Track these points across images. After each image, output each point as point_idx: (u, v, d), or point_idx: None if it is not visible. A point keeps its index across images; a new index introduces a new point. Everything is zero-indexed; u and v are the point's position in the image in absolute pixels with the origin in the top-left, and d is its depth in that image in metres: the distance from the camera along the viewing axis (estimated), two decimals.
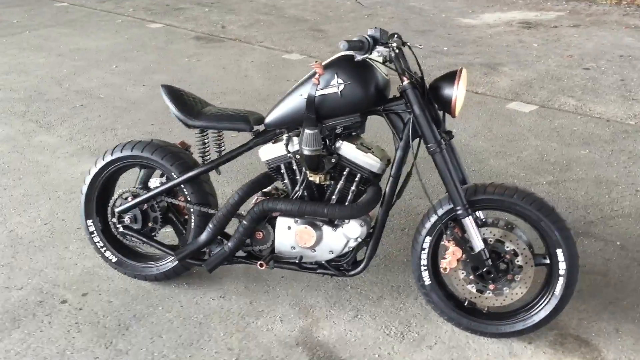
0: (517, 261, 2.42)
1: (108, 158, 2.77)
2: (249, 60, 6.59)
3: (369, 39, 2.26)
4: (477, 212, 2.51)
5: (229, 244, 2.63)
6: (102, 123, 4.87)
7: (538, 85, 5.77)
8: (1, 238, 3.26)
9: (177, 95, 2.69)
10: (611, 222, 3.39)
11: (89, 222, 2.85)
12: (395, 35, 2.59)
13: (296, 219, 2.56)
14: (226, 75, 6.10)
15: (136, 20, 8.65)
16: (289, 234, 2.58)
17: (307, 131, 2.39)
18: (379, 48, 2.28)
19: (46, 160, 4.19)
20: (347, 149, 2.48)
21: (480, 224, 2.47)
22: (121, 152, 2.74)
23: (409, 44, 2.61)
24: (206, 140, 2.70)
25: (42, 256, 3.10)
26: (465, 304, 2.57)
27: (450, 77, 2.38)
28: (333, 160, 2.48)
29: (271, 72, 6.15)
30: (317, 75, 2.37)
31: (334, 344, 2.53)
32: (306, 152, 2.41)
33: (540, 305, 2.48)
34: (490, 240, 2.44)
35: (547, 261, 2.44)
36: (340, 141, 2.49)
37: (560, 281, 2.41)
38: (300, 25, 8.36)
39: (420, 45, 2.85)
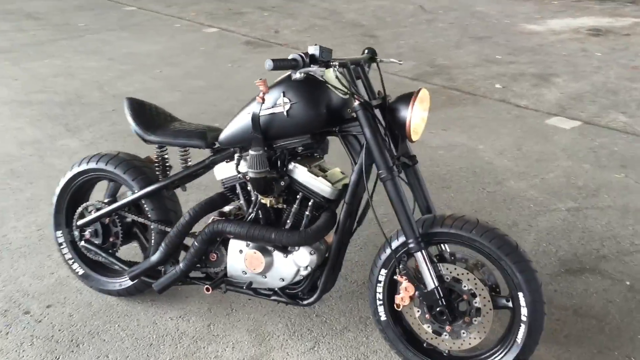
0: (475, 303, 2.19)
1: (75, 170, 2.74)
2: None
3: (303, 58, 2.09)
4: (443, 246, 2.29)
5: (181, 264, 2.53)
6: (127, 128, 4.87)
7: (589, 99, 5.35)
8: None
9: (139, 109, 2.63)
10: (627, 258, 3.04)
11: (58, 233, 2.84)
12: (366, 51, 2.44)
13: (248, 242, 2.43)
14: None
15: (194, 24, 8.79)
16: (240, 258, 2.46)
17: (251, 152, 2.26)
18: (314, 67, 2.10)
19: (62, 164, 4.26)
20: (299, 172, 2.32)
21: (439, 260, 2.25)
22: (87, 165, 2.71)
23: (380, 60, 2.45)
24: (165, 156, 2.62)
25: (24, 263, 3.13)
26: (425, 345, 2.35)
27: (407, 99, 2.18)
28: (283, 183, 2.33)
29: None
30: (260, 94, 2.23)
31: None
32: (250, 174, 2.27)
33: (501, 352, 2.22)
34: (447, 278, 2.21)
35: (510, 304, 2.18)
36: (293, 163, 2.34)
37: (522, 328, 2.15)
38: (354, 30, 8.20)
39: (400, 61, 2.67)
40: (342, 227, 2.33)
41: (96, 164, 2.68)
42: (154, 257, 2.58)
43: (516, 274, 2.10)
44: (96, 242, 2.73)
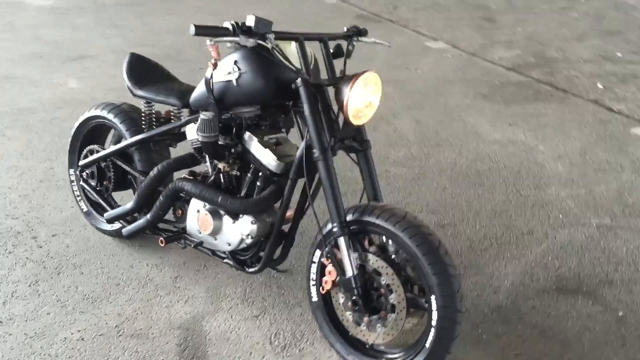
0: (391, 299, 2.10)
1: (87, 114, 2.98)
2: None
3: (235, 27, 2.08)
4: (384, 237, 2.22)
5: (148, 215, 2.68)
6: None
7: None
8: (39, 173, 3.70)
9: (137, 65, 2.78)
10: (636, 287, 2.72)
11: (71, 171, 3.11)
12: (346, 29, 2.40)
13: (204, 203, 2.51)
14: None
15: None
16: (196, 217, 2.55)
17: (201, 115, 2.32)
18: (241, 38, 2.09)
19: None
20: (250, 142, 2.36)
21: (364, 249, 2.18)
22: (95, 111, 2.93)
23: (358, 39, 2.40)
24: (152, 111, 2.75)
25: (54, 194, 3.46)
26: (349, 334, 2.30)
27: (349, 80, 2.11)
28: (233, 151, 2.38)
29: (397, 59, 5.91)
30: (212, 60, 2.27)
31: (213, 338, 2.46)
32: (200, 137, 2.34)
33: (411, 355, 2.13)
34: (369, 269, 2.14)
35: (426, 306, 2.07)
36: (248, 133, 2.37)
37: (432, 333, 2.03)
38: (475, 12, 7.84)
39: (388, 43, 2.57)
40: (285, 202, 2.33)
41: (101, 111, 2.89)
42: (128, 205, 2.76)
43: (430, 275, 1.99)
44: (92, 183, 2.96)
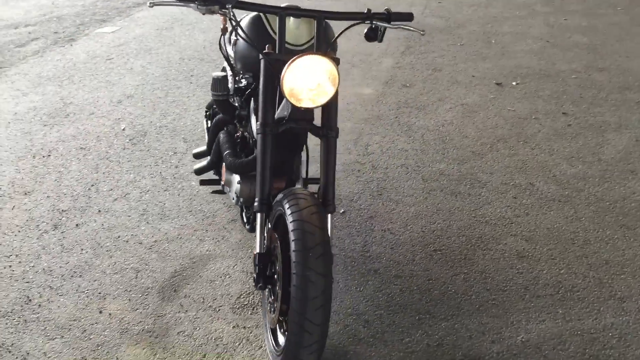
0: (277, 287, 2.11)
1: None
2: None
3: None
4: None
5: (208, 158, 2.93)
6: None
7: None
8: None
9: None
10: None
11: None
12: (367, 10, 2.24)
13: None
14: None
15: None
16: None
17: (212, 74, 2.56)
18: (202, 7, 2.05)
19: None
20: (250, 107, 2.50)
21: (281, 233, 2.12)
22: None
23: (373, 24, 2.25)
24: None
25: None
26: None
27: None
28: (238, 112, 2.56)
29: None
30: (222, 25, 2.40)
31: (204, 277, 2.75)
32: (211, 94, 2.57)
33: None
34: (275, 252, 2.14)
35: None
36: (252, 98, 2.48)
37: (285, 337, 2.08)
38: None
39: (422, 31, 2.33)
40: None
41: None
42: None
43: (292, 274, 1.92)
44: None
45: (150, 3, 2.05)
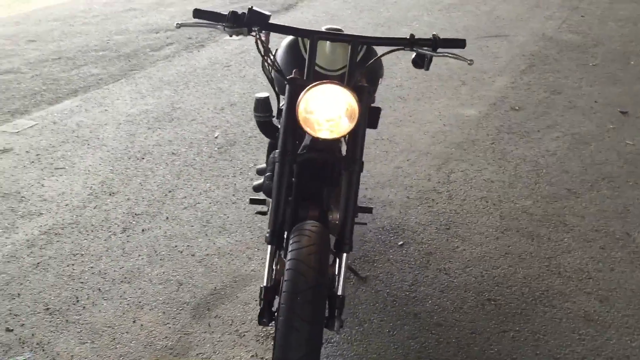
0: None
1: None
2: None
3: (235, 15, 1.99)
4: None
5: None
6: None
7: None
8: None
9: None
10: None
11: None
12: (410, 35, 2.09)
13: None
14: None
15: None
16: None
17: (256, 95, 2.52)
18: (228, 29, 2.01)
19: None
20: None
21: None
22: None
23: (413, 50, 2.04)
24: None
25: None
26: None
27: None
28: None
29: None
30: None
31: (216, 249, 2.72)
32: (254, 116, 2.54)
33: None
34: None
35: None
36: None
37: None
38: None
39: (470, 60, 2.03)
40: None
41: None
42: None
43: (279, 310, 1.83)
44: None
45: (177, 24, 2.08)
